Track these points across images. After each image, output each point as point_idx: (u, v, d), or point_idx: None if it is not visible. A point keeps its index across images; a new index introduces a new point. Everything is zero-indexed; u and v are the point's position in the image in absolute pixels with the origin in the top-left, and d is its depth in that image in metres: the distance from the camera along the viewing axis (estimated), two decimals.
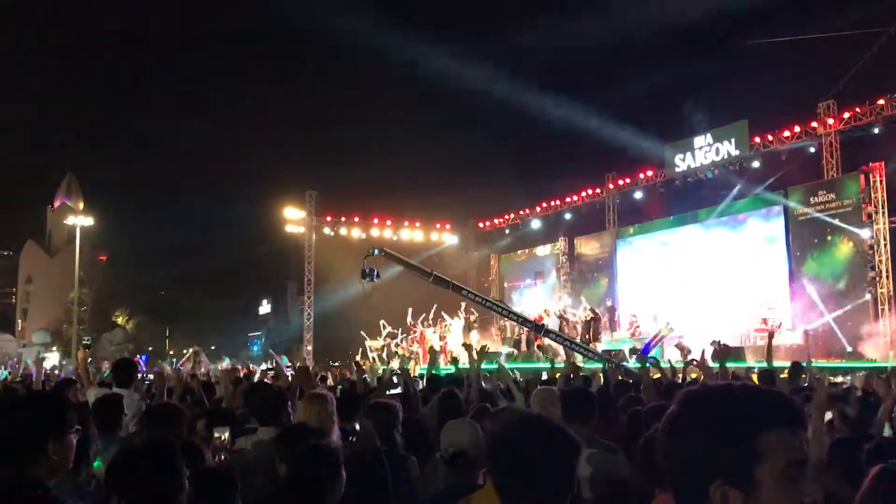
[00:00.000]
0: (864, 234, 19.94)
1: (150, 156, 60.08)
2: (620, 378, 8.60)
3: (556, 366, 9.35)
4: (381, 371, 11.43)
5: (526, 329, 23.67)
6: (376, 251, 16.98)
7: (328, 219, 32.60)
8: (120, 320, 56.94)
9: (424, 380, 8.77)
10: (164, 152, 60.83)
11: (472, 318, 25.33)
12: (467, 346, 9.10)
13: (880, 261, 19.79)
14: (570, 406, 4.49)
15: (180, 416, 4.28)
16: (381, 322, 26.18)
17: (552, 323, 21.21)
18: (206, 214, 59.80)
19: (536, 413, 2.37)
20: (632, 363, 16.13)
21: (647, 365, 7.57)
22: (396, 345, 25.62)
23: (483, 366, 8.14)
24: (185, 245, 58.70)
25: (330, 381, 12.05)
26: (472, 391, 6.71)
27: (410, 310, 25.56)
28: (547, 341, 23.39)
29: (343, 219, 32.79)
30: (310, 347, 31.68)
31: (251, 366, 21.44)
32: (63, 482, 2.85)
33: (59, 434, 2.95)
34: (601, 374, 9.76)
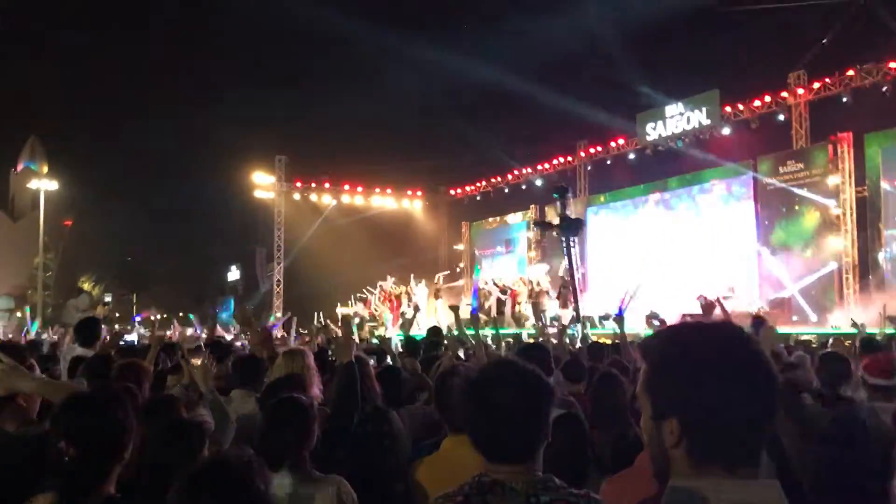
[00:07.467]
0: (831, 203, 20.18)
1: (116, 119, 58.76)
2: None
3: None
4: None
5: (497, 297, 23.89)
6: (556, 195, 15.00)
7: (298, 184, 32.31)
8: (86, 286, 56.03)
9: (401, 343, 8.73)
10: (131, 115, 59.57)
11: (438, 286, 25.42)
12: (454, 308, 8.94)
13: (846, 231, 20.05)
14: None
15: (140, 371, 4.25)
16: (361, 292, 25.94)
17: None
18: (173, 178, 58.88)
19: (511, 358, 2.33)
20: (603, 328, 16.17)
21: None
22: (364, 308, 25.60)
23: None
24: (151, 210, 57.81)
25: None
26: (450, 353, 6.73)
27: (392, 278, 25.62)
28: (518, 309, 23.63)
29: (313, 184, 32.51)
30: (279, 314, 31.48)
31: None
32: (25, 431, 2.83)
33: None
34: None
